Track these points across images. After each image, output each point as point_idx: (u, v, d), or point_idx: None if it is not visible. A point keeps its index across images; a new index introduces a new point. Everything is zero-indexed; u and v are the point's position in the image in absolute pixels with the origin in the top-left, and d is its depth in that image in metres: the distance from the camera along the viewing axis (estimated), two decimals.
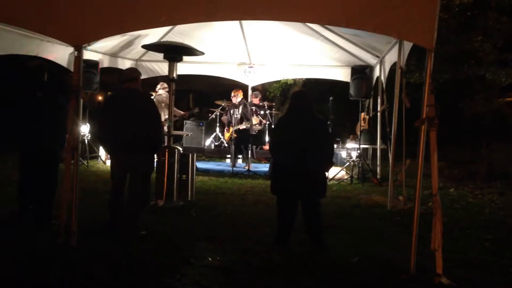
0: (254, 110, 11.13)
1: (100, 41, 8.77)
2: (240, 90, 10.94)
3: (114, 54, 10.81)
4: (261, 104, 11.75)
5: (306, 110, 4.94)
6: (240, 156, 11.45)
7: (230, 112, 10.87)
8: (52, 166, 5.42)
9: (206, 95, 18.96)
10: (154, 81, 11.50)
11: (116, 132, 5.07)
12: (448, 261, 4.35)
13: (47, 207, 5.35)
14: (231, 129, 10.55)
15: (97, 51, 10.03)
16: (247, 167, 10.36)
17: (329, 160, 5.03)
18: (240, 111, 10.53)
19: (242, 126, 10.40)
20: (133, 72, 5.46)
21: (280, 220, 4.93)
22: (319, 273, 4.20)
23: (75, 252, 4.38)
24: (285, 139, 4.88)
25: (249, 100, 11.58)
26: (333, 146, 5.17)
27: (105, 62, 10.57)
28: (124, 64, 11.27)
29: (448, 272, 4.10)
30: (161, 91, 10.39)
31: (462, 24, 12.13)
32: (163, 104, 9.93)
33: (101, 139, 5.37)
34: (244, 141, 10.47)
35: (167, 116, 8.53)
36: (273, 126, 10.89)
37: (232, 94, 10.79)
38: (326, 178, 5.08)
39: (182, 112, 10.90)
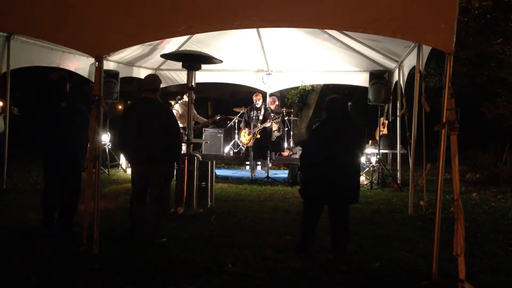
0: (271, 115, 11.18)
1: (120, 51, 8.90)
2: (260, 94, 11.09)
3: (133, 64, 10.96)
4: (277, 110, 11.78)
5: (344, 117, 4.93)
6: (259, 163, 11.50)
7: (249, 114, 11.03)
8: (75, 175, 5.52)
9: (224, 103, 19.08)
10: (168, 89, 11.59)
11: (135, 142, 5.11)
12: (471, 266, 4.30)
13: (70, 216, 5.44)
14: (254, 131, 10.66)
15: (117, 61, 10.18)
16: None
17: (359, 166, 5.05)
18: (262, 112, 10.83)
19: (267, 124, 10.62)
20: (153, 83, 5.31)
21: (305, 227, 4.91)
22: (341, 279, 4.17)
23: (97, 260, 4.44)
24: (324, 146, 4.80)
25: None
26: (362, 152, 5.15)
27: (125, 72, 10.71)
28: (144, 73, 11.40)
29: (471, 277, 4.04)
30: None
31: (482, 26, 12.00)
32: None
33: (121, 148, 5.44)
34: (263, 148, 10.50)
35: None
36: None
37: (257, 98, 10.98)
38: (359, 184, 5.05)
39: (205, 119, 10.99)
